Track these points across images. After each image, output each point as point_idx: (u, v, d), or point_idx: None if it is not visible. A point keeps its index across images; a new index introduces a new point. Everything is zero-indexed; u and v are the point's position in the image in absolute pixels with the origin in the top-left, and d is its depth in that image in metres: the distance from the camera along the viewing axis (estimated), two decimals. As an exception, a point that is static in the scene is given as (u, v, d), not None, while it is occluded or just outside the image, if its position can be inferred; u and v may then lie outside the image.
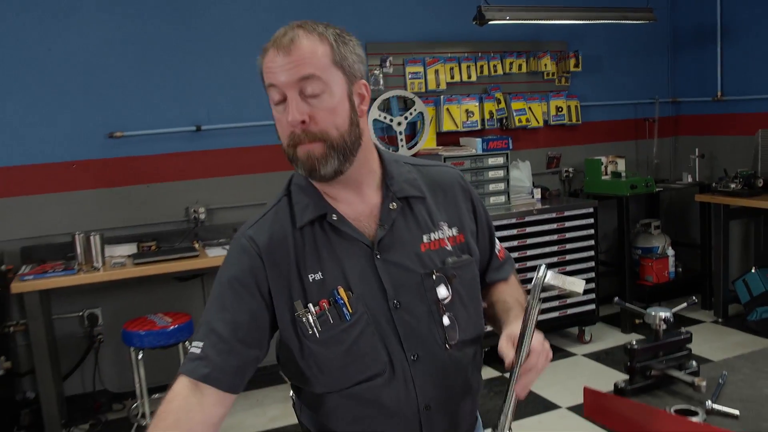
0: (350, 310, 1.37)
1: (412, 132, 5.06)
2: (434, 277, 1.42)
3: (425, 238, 1.44)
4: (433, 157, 4.81)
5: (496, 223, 4.44)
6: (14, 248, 4.14)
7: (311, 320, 1.36)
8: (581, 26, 5.33)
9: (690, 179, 5.63)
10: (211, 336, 1.34)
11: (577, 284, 1.31)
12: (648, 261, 5.39)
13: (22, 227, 4.16)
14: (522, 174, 5.11)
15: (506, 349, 1.34)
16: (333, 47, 1.33)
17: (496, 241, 1.64)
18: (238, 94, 4.58)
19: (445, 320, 1.42)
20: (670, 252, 5.45)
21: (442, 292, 1.42)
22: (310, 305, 1.37)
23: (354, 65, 1.36)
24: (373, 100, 4.88)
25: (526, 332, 1.31)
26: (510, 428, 1.33)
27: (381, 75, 4.95)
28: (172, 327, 3.56)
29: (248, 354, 1.35)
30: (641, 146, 5.98)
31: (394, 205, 1.43)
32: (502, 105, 5.32)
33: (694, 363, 1.90)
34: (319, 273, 1.38)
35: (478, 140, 4.89)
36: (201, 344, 1.34)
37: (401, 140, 4.97)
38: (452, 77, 5.17)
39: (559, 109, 5.53)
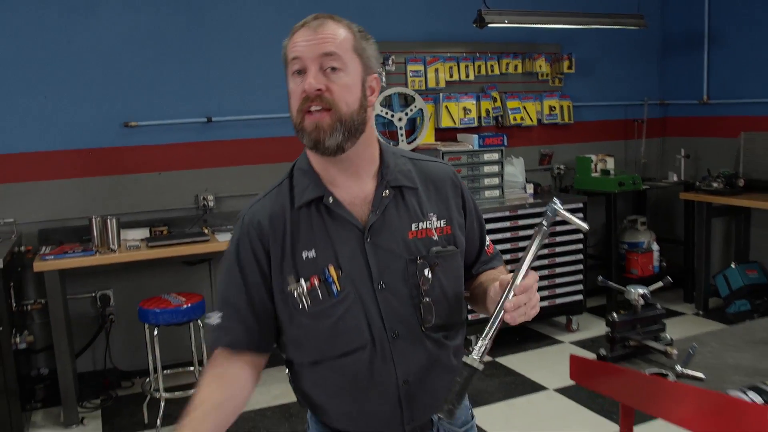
0: (338, 288, 1.45)
1: (412, 128, 5.29)
2: (418, 263, 1.48)
3: (413, 227, 1.51)
4: (432, 152, 5.03)
5: (490, 215, 4.75)
6: (32, 230, 4.34)
7: (303, 294, 1.45)
8: (575, 30, 5.55)
9: (675, 178, 5.88)
10: (227, 308, 1.49)
11: (583, 224, 1.44)
12: (634, 255, 5.64)
13: (40, 210, 4.36)
14: (515, 170, 5.35)
15: (493, 290, 1.43)
16: (355, 36, 1.44)
17: (486, 237, 1.70)
18: (247, 87, 4.80)
19: (425, 303, 1.48)
20: (655, 247, 5.70)
21: (424, 277, 1.48)
22: (302, 280, 1.45)
23: (370, 59, 1.47)
24: (375, 96, 5.10)
25: (527, 257, 1.39)
26: (484, 353, 1.37)
27: (383, 73, 5.17)
28: (185, 306, 3.77)
29: (262, 319, 1.49)
30: (630, 146, 6.22)
31: (386, 193, 1.50)
32: (498, 104, 5.55)
33: (668, 335, 2.15)
34: (313, 251, 1.46)
35: (475, 137, 5.12)
36: (220, 314, 1.49)
37: (401, 135, 5.19)
38: (451, 76, 5.39)
39: (552, 108, 5.77)
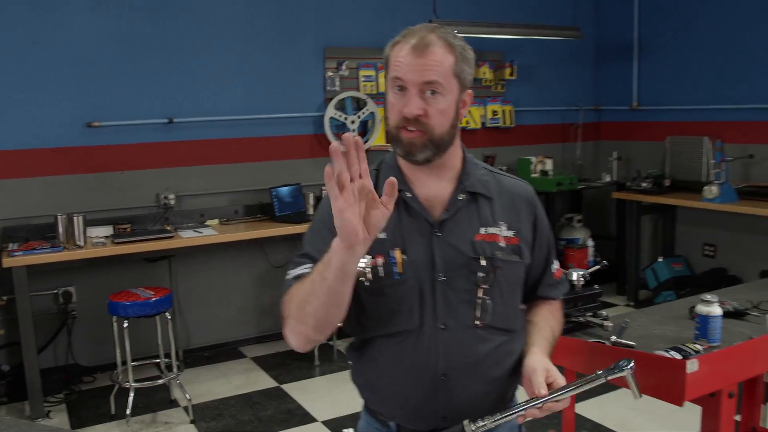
0: (400, 271, 1.51)
1: (364, 130, 5.55)
2: (480, 262, 1.53)
3: (482, 230, 1.57)
4: (384, 152, 5.30)
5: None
6: (-5, 228, 4.44)
7: (365, 268, 1.52)
8: (517, 40, 5.91)
9: (608, 179, 6.31)
10: (308, 260, 1.51)
11: (637, 394, 1.46)
12: (570, 251, 6.04)
13: (4, 208, 4.44)
14: (462, 170, 5.66)
15: (540, 379, 1.45)
16: (457, 59, 1.49)
17: (554, 260, 1.73)
18: (208, 89, 4.98)
19: (480, 302, 1.53)
20: (590, 243, 6.12)
21: (484, 277, 1.53)
22: (369, 255, 1.51)
23: (467, 77, 1.53)
24: (329, 100, 5.36)
25: (575, 386, 1.42)
26: (483, 430, 1.44)
27: (337, 77, 5.42)
28: (154, 299, 3.93)
29: None
30: (567, 148, 6.62)
31: (462, 196, 1.57)
32: (445, 108, 5.86)
33: (604, 312, 2.47)
34: (384, 234, 1.51)
35: (424, 139, 5.41)
36: (309, 265, 1.48)
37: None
38: (401, 81, 5.67)
39: (495, 113, 6.12)
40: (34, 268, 4.16)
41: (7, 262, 3.93)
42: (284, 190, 5.02)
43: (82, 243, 4.22)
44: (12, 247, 4.14)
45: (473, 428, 1.41)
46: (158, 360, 4.41)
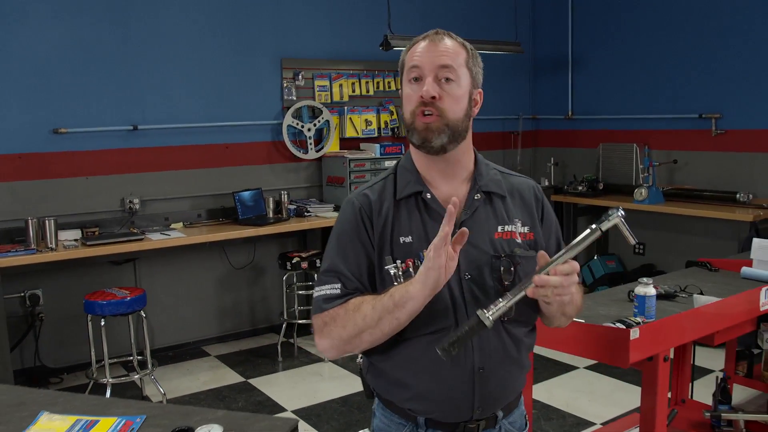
0: None
1: (320, 137, 5.82)
2: (501, 259, 1.59)
3: (500, 228, 1.63)
4: (339, 158, 5.60)
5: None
6: (-38, 233, 4.52)
7: (398, 274, 1.57)
8: (461, 52, 6.29)
9: (547, 183, 6.74)
10: (342, 278, 1.59)
11: (632, 239, 1.50)
12: (513, 250, 6.43)
13: (-29, 213, 4.54)
14: (412, 175, 5.99)
15: (546, 256, 1.48)
16: (469, 54, 1.61)
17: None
18: (170, 97, 5.17)
19: (507, 296, 1.51)
20: (531, 243, 6.52)
21: (506, 273, 1.59)
22: (398, 261, 1.58)
23: (478, 75, 1.63)
24: (287, 108, 5.61)
25: (574, 247, 1.45)
26: (497, 314, 1.44)
27: (294, 87, 5.68)
28: (129, 298, 4.11)
29: (368, 285, 1.60)
30: (507, 155, 7.04)
31: (478, 196, 1.64)
32: (395, 116, 6.19)
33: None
34: (409, 237, 1.59)
35: (377, 146, 5.74)
36: (338, 286, 1.58)
37: (310, 144, 5.72)
38: (353, 91, 5.98)
39: (441, 121, 6.48)
40: (1, 272, 4.25)
41: (-18, 265, 4.04)
42: (246, 194, 5.25)
43: (54, 245, 4.35)
44: (-16, 251, 4.24)
45: (488, 314, 1.42)
46: (130, 358, 4.57)
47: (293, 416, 4.12)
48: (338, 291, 1.58)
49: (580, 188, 6.25)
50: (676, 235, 5.98)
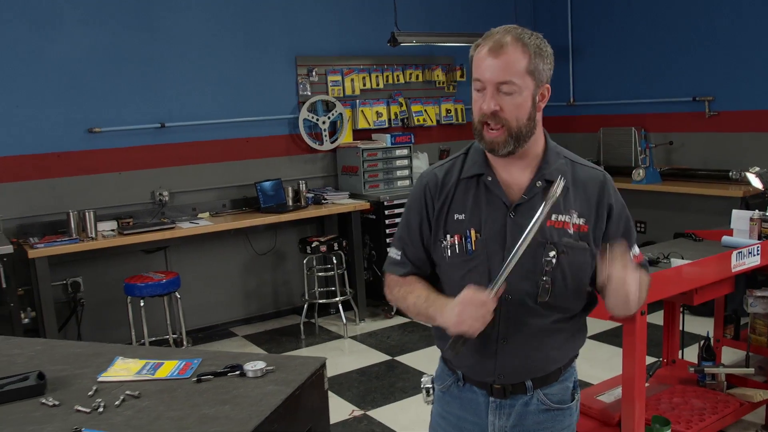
0: (473, 248, 1.69)
1: (334, 129, 6.17)
2: (547, 246, 1.65)
3: (553, 217, 1.67)
4: (352, 149, 5.96)
5: (402, 201, 5.69)
6: (11, 226, 4.90)
7: (447, 247, 1.73)
8: (466, 46, 6.61)
9: (550, 167, 7.06)
10: (404, 246, 1.83)
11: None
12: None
13: (18, 207, 4.92)
14: (421, 163, 6.35)
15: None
16: (531, 58, 1.61)
17: (634, 245, 1.78)
18: (195, 96, 5.54)
19: (545, 281, 1.64)
20: (537, 224, 6.84)
21: (549, 260, 1.64)
22: (448, 236, 1.73)
23: (543, 73, 1.64)
24: (302, 103, 5.97)
25: (534, 222, 1.58)
26: (495, 290, 1.59)
27: (308, 83, 6.04)
28: (165, 280, 4.50)
29: (424, 255, 1.81)
30: (513, 141, 7.35)
31: (539, 184, 1.69)
32: (404, 108, 6.54)
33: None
34: (463, 215, 1.72)
35: (388, 136, 6.09)
36: (399, 252, 1.83)
37: (325, 136, 6.08)
38: (364, 85, 6.33)
39: (448, 111, 6.82)
40: (36, 263, 4.57)
41: (33, 253, 4.43)
42: (267, 184, 5.63)
43: (94, 235, 4.74)
44: (33, 241, 4.63)
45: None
46: (166, 337, 4.96)
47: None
48: (399, 257, 1.83)
49: (581, 171, 6.54)
50: (673, 213, 6.27)
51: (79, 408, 1.56)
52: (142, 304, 4.44)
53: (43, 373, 1.72)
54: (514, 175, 1.72)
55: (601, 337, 5.01)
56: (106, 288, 5.20)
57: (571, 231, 1.68)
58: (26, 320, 4.32)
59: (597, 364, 4.59)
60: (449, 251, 1.73)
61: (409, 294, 1.79)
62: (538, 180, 1.69)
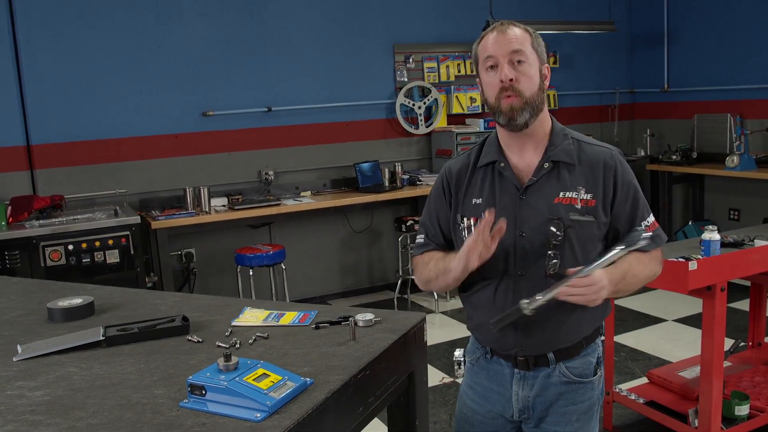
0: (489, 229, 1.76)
1: (429, 114, 6.42)
2: (554, 221, 1.78)
3: (561, 194, 1.80)
4: (447, 133, 6.19)
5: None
6: (134, 200, 5.40)
7: (464, 227, 1.89)
8: (559, 34, 6.70)
9: (643, 153, 7.06)
10: (428, 230, 2.00)
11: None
12: (610, 217, 6.80)
13: (140, 184, 5.42)
14: (513, 147, 6.49)
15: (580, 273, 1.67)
16: (532, 37, 1.79)
17: (646, 216, 1.85)
18: (299, 82, 5.90)
19: (552, 254, 1.78)
20: (627, 210, 6.87)
21: (556, 233, 1.77)
22: (465, 218, 1.88)
23: (543, 53, 1.81)
24: (399, 89, 6.24)
25: (605, 258, 1.68)
26: (536, 305, 1.69)
27: (405, 69, 6.30)
28: (272, 252, 4.89)
29: (445, 239, 1.98)
30: (605, 127, 7.40)
31: (547, 165, 1.82)
32: (497, 93, 6.69)
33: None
34: (480, 199, 1.88)
35: (481, 120, 6.29)
36: (423, 236, 2.01)
37: (421, 120, 6.33)
38: (459, 71, 6.52)
39: (540, 97, 6.92)
40: (157, 233, 5.02)
41: (155, 224, 4.89)
42: (365, 165, 5.94)
43: (207, 210, 5.17)
44: (155, 214, 5.10)
45: (527, 304, 1.70)
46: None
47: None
48: (423, 240, 2.00)
49: (674, 157, 6.54)
50: (768, 200, 6.22)
51: (219, 344, 1.85)
52: (251, 273, 4.84)
53: (187, 317, 2.00)
54: (525, 159, 1.85)
55: (688, 320, 5.08)
56: (215, 259, 5.66)
57: (578, 206, 1.78)
58: (149, 284, 4.79)
59: (681, 344, 4.69)
60: (466, 232, 1.87)
61: (430, 261, 1.94)
62: (545, 161, 1.83)
